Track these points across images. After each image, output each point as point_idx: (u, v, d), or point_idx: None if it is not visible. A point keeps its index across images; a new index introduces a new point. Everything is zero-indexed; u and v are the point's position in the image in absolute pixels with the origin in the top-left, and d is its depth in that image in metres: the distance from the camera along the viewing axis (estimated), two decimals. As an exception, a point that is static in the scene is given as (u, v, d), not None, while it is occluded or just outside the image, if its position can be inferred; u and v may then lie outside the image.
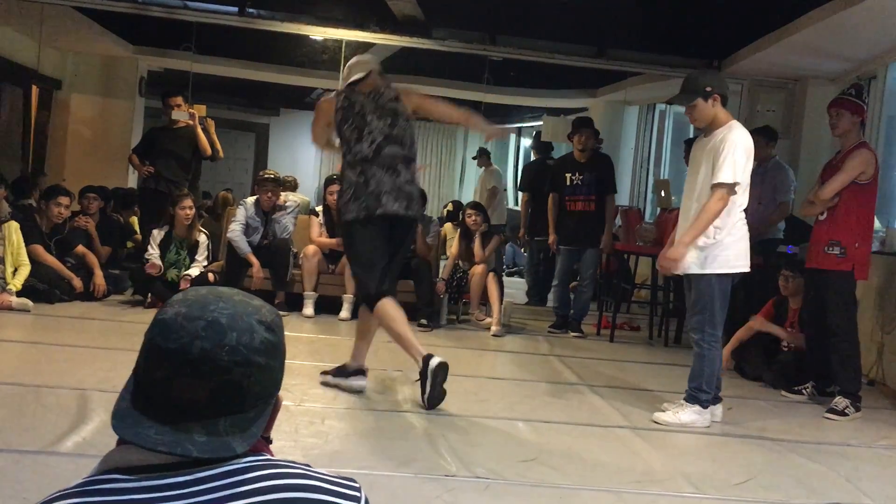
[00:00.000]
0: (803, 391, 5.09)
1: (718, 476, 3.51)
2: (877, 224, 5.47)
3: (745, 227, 4.27)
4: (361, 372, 4.33)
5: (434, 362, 3.99)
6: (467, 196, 11.97)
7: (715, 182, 4.10)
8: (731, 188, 4.10)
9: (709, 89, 4.20)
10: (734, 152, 4.09)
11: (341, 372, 4.38)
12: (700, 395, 4.24)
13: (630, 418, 4.29)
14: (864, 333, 5.21)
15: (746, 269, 4.28)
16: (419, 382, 4.07)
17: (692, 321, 4.30)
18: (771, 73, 7.70)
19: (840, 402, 4.67)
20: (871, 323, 5.67)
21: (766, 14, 6.53)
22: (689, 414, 4.22)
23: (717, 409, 4.36)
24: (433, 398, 4.01)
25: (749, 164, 4.18)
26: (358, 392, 4.29)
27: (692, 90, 4.25)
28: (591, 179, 6.85)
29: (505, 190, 13.50)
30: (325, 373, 4.44)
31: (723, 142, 4.14)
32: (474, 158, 12.23)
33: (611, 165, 7.06)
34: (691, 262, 4.21)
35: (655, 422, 4.22)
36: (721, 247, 4.16)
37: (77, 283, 6.34)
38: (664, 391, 4.94)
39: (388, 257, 4.22)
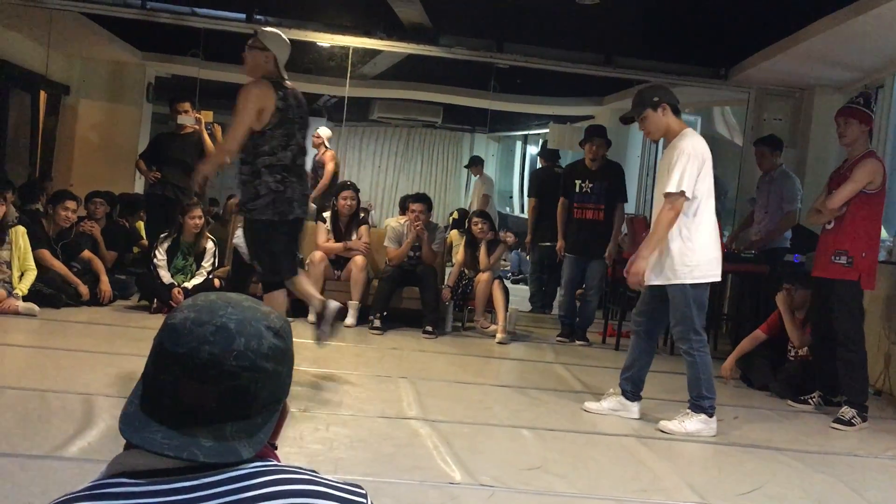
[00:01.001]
0: (810, 401, 5.07)
1: (724, 486, 3.49)
2: (884, 233, 5.46)
3: (715, 234, 4.30)
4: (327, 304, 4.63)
5: (331, 306, 4.60)
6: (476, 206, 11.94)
7: (664, 192, 4.16)
8: (679, 196, 4.13)
9: (656, 99, 4.28)
10: (682, 161, 4.13)
11: (323, 320, 4.60)
12: (703, 402, 4.25)
13: (635, 427, 4.28)
14: (871, 343, 5.19)
15: (717, 278, 4.34)
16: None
17: (675, 332, 4.35)
18: (778, 81, 7.69)
19: (847, 412, 4.65)
20: (878, 332, 5.65)
21: (774, 23, 6.53)
22: (694, 423, 4.22)
23: (637, 406, 4.47)
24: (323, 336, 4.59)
25: (704, 170, 4.18)
26: (340, 312, 4.70)
27: (640, 103, 4.33)
28: (601, 188, 6.82)
29: (515, 198, 13.54)
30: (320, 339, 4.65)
31: (673, 149, 4.21)
32: (467, 167, 12.24)
33: (621, 174, 7.04)
34: (662, 273, 4.25)
35: (661, 431, 4.22)
36: (690, 254, 4.18)
37: (83, 289, 6.34)
38: (670, 399, 4.92)
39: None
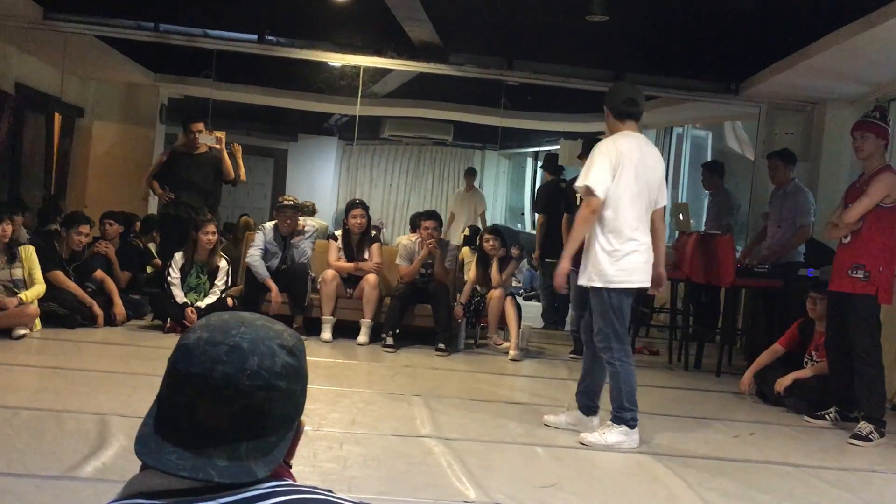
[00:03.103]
0: (826, 416, 5.02)
1: (741, 502, 3.46)
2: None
3: (640, 242, 4.17)
4: None
5: None
6: (461, 221, 11.91)
7: (577, 185, 4.21)
8: (588, 191, 4.11)
9: (606, 100, 4.32)
10: (592, 157, 4.16)
11: None
12: (624, 414, 4.14)
13: (650, 443, 4.25)
14: (888, 358, 5.14)
15: (644, 284, 4.23)
16: None
17: (597, 339, 4.21)
18: (789, 96, 7.67)
19: (864, 427, 4.60)
20: (895, 347, 5.59)
21: (784, 37, 6.53)
22: (615, 435, 4.12)
23: (595, 420, 4.35)
24: None
25: (622, 171, 4.10)
26: None
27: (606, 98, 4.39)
28: None
29: (527, 214, 13.53)
30: None
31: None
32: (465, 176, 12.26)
33: None
34: (589, 276, 4.20)
35: (581, 443, 4.13)
36: (610, 260, 4.12)
37: (97, 310, 6.34)
38: (685, 416, 4.89)
39: None
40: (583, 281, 4.27)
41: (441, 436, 4.02)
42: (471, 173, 12.03)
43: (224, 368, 1.04)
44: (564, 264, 4.28)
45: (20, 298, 5.76)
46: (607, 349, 4.16)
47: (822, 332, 5.35)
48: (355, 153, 13.73)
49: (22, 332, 5.69)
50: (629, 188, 4.13)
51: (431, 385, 5.33)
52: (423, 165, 14.12)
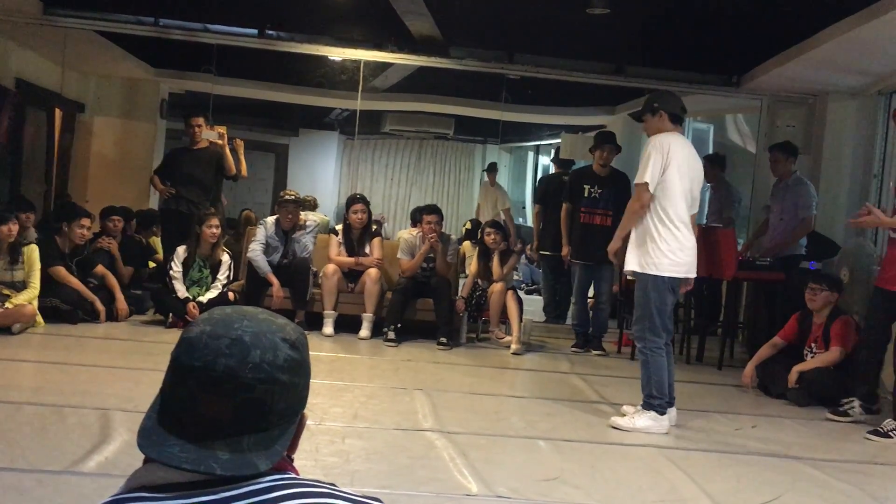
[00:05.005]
0: (850, 412, 4.85)
1: (743, 495, 3.47)
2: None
3: (685, 238, 4.39)
4: None
5: None
6: (486, 214, 11.97)
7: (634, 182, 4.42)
8: (643, 188, 4.31)
9: (656, 105, 4.54)
10: (647, 154, 4.36)
11: None
12: (653, 401, 4.37)
13: (652, 437, 4.26)
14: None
15: (690, 274, 4.45)
16: None
17: (634, 329, 4.51)
18: (790, 88, 7.66)
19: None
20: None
21: (785, 30, 6.51)
22: (644, 420, 4.35)
23: (672, 413, 4.51)
24: None
25: (666, 164, 4.32)
26: None
27: (644, 108, 4.60)
28: (609, 194, 6.80)
29: (528, 208, 13.54)
30: None
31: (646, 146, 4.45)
32: (485, 171, 12.28)
33: (629, 183, 7.03)
34: (633, 263, 4.42)
35: (612, 427, 4.35)
36: (657, 252, 4.33)
37: (99, 306, 6.33)
38: (687, 409, 4.89)
39: None
40: (631, 267, 4.44)
41: (443, 430, 4.03)
42: (490, 169, 12.02)
43: (226, 361, 1.04)
44: (616, 244, 4.60)
45: (6, 307, 5.68)
46: (641, 339, 4.41)
47: (820, 324, 5.34)
48: (356, 148, 13.72)
49: (19, 325, 5.70)
50: (680, 183, 4.37)
51: (433, 379, 5.34)
52: (425, 160, 14.11)
